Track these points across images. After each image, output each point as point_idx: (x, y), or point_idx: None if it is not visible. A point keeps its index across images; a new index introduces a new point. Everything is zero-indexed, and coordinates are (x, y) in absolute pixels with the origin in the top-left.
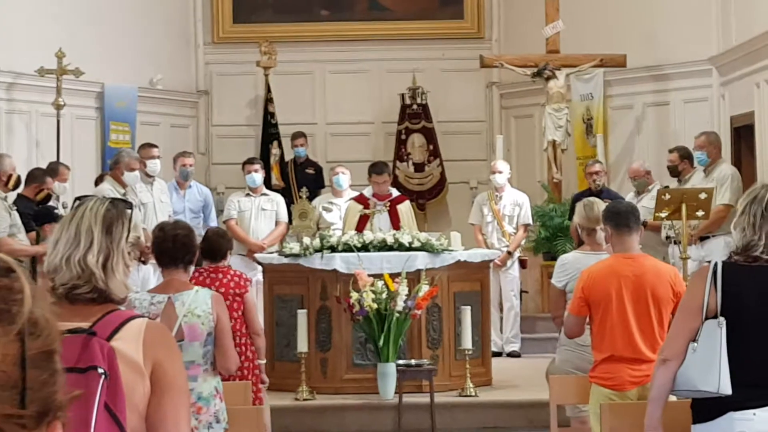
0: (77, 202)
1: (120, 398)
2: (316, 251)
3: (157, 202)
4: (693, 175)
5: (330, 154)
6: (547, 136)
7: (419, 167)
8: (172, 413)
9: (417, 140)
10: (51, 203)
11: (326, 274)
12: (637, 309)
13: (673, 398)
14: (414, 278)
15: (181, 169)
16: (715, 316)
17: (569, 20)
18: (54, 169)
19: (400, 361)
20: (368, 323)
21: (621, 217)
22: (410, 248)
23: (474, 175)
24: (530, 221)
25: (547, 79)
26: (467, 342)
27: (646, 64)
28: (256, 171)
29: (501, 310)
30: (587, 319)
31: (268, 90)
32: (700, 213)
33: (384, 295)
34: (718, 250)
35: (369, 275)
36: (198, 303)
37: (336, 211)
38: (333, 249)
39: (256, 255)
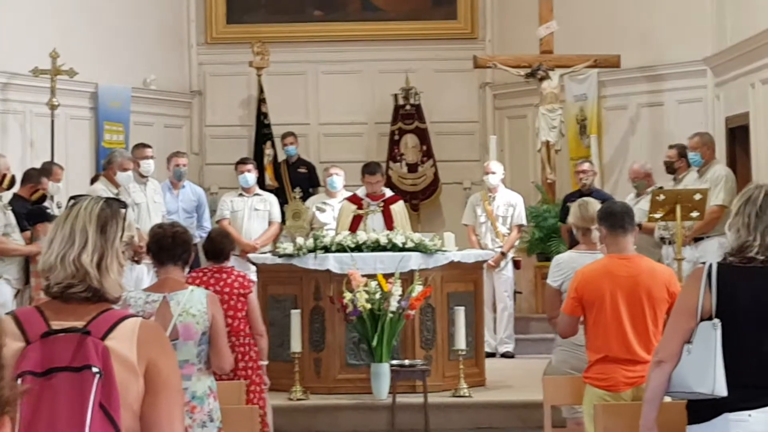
0: (72, 201)
1: (114, 397)
2: (310, 251)
3: (150, 203)
4: (687, 175)
5: (323, 155)
6: (541, 137)
7: (412, 168)
8: (166, 412)
9: (410, 141)
10: (45, 203)
11: (320, 275)
12: (631, 310)
13: (667, 399)
14: (407, 278)
15: (175, 169)
16: (710, 318)
17: (563, 21)
18: (48, 169)
19: (394, 362)
20: (362, 323)
21: (616, 218)
22: (404, 249)
23: (467, 175)
24: (524, 222)
25: (541, 79)
26: (461, 342)
27: (640, 64)
28: (249, 171)
29: (494, 310)
30: (581, 319)
31: (261, 90)
32: (694, 214)
33: (377, 296)
34: (713, 250)
35: (362, 275)
36: (193, 302)
37: (329, 211)
38: (326, 249)
39: (250, 255)
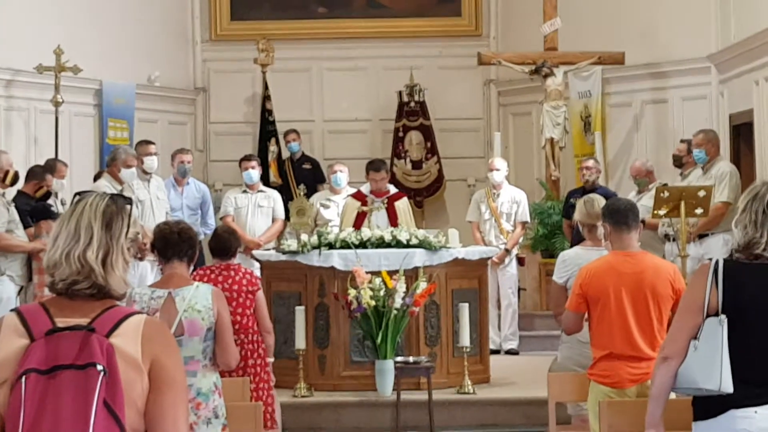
0: (77, 197)
1: (119, 395)
2: (314, 248)
3: (154, 199)
4: (694, 171)
5: (327, 152)
6: (545, 134)
7: (417, 164)
8: (170, 409)
9: (414, 137)
10: (49, 200)
11: (324, 271)
12: (636, 306)
13: (672, 396)
14: (412, 275)
15: (179, 166)
16: (716, 314)
17: (567, 18)
18: (52, 166)
19: (398, 359)
20: (366, 320)
21: (620, 215)
22: (408, 245)
23: (472, 172)
24: (528, 219)
25: (545, 76)
26: (465, 339)
27: (644, 61)
28: (253, 168)
29: (499, 307)
30: (586, 316)
31: (266, 87)
32: (698, 211)
33: (382, 292)
34: (717, 247)
35: (367, 272)
36: (198, 298)
37: (334, 207)
38: (331, 246)
39: (254, 252)
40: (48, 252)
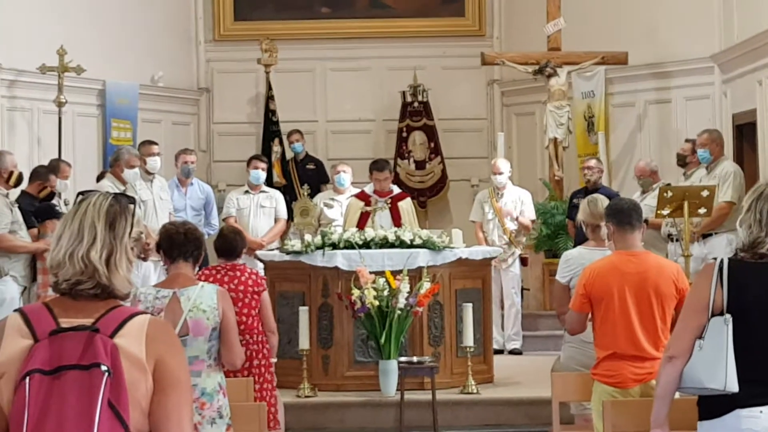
0: (80, 197)
1: (123, 395)
2: (318, 248)
3: (156, 200)
4: (697, 171)
5: (331, 152)
6: (549, 134)
7: (420, 165)
8: (175, 410)
9: (418, 138)
10: (53, 201)
11: (328, 271)
12: (639, 306)
13: (676, 395)
14: (415, 275)
15: (183, 167)
16: (722, 313)
17: (571, 18)
18: (55, 167)
19: (402, 359)
20: (370, 320)
21: (623, 215)
22: (412, 245)
23: (475, 172)
24: (534, 216)
25: (549, 76)
26: (469, 339)
27: (647, 61)
28: (262, 169)
29: (502, 307)
30: (589, 316)
31: (269, 87)
32: (702, 210)
33: (385, 293)
34: (721, 247)
35: (370, 272)
36: (203, 298)
37: (337, 207)
38: (334, 246)
39: (258, 252)
40: (51, 252)
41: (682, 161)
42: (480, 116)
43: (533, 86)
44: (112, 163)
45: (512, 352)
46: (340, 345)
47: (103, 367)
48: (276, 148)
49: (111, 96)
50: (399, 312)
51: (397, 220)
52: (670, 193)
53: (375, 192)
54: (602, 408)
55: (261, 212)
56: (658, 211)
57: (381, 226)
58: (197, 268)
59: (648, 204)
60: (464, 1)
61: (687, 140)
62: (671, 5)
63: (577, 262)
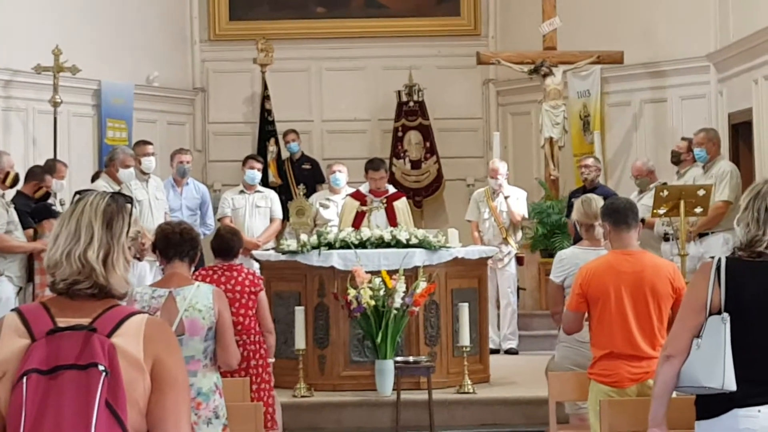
0: (77, 196)
1: (121, 395)
2: (314, 248)
3: (152, 199)
4: (691, 170)
5: (326, 152)
6: (544, 133)
7: (416, 164)
8: (173, 410)
9: (413, 137)
10: (49, 201)
11: (324, 271)
12: (636, 305)
13: (673, 394)
14: (411, 275)
15: (178, 167)
16: (719, 312)
17: (566, 17)
18: (51, 167)
19: (398, 358)
20: (366, 320)
21: (619, 214)
22: (408, 245)
23: (471, 172)
24: (525, 213)
25: (544, 76)
26: (465, 339)
27: (643, 60)
28: (258, 169)
29: (498, 307)
30: (585, 316)
31: (265, 87)
32: (698, 210)
33: (381, 292)
34: (717, 246)
35: (366, 272)
36: (199, 298)
37: (333, 208)
38: (330, 246)
39: (254, 252)
40: (48, 252)
41: (677, 158)
42: (475, 116)
43: (529, 86)
44: (107, 163)
45: (508, 351)
46: (337, 345)
47: (101, 367)
48: (272, 147)
49: (106, 96)
50: (395, 312)
51: (392, 220)
52: (666, 193)
53: (370, 191)
54: (599, 407)
55: (256, 212)
56: (654, 211)
57: (377, 225)
58: (193, 268)
59: (645, 204)
60: (459, 1)
61: (683, 138)
62: (667, 4)
63: (571, 261)
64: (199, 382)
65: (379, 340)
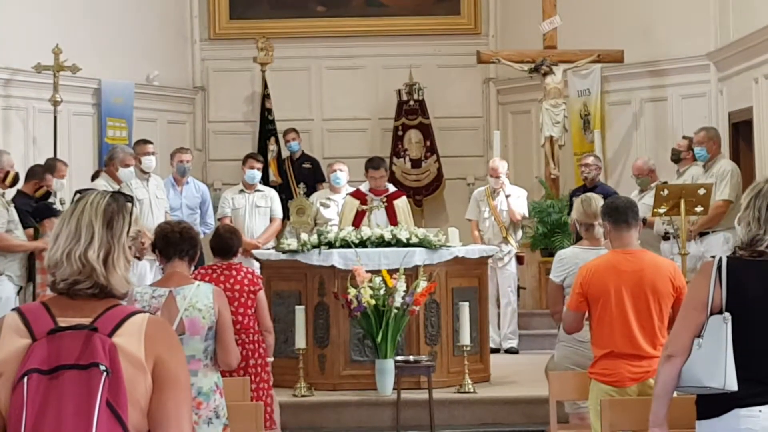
0: (78, 195)
1: (122, 395)
2: (314, 247)
3: (153, 199)
4: (690, 169)
5: (327, 150)
6: (545, 132)
7: (416, 163)
8: (174, 409)
9: (414, 136)
10: (49, 200)
11: (324, 270)
12: (636, 305)
13: (675, 394)
14: (412, 274)
15: (178, 166)
16: (720, 312)
17: (566, 16)
18: (51, 166)
19: (399, 358)
20: (366, 319)
21: (619, 213)
22: (408, 244)
23: (471, 171)
24: (525, 212)
25: (544, 74)
26: (465, 338)
27: (643, 59)
28: (258, 168)
29: (498, 306)
30: (586, 315)
31: (265, 86)
32: (698, 209)
33: (382, 291)
34: (718, 245)
35: (367, 271)
36: (199, 297)
37: (333, 207)
38: (331, 245)
39: (254, 251)
40: (49, 251)
41: (677, 156)
42: (476, 114)
43: (529, 84)
44: (106, 162)
45: (508, 351)
46: (337, 344)
47: (102, 367)
48: (272, 146)
49: (106, 95)
50: (395, 311)
51: (393, 219)
52: (666, 192)
53: (370, 190)
54: (600, 407)
55: (256, 212)
56: (655, 210)
57: (377, 224)
58: (193, 267)
59: (646, 203)
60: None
61: (684, 137)
62: (667, 3)
63: (571, 261)
64: (199, 382)
65: (379, 339)
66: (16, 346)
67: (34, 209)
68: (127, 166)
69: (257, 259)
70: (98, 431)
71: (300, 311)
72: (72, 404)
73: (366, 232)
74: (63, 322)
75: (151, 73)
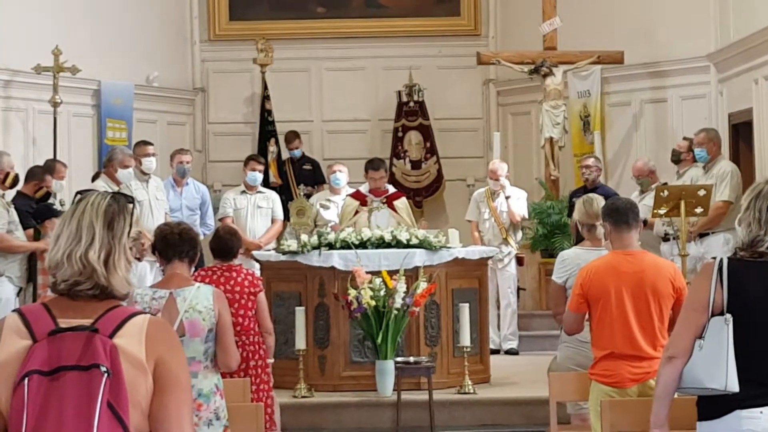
0: (78, 196)
1: (123, 396)
2: (314, 248)
3: (152, 200)
4: (690, 170)
5: (327, 152)
6: (545, 134)
7: (416, 164)
8: (175, 410)
9: (414, 137)
10: (49, 201)
11: (324, 272)
12: (637, 306)
13: (676, 395)
14: (412, 275)
15: (178, 167)
16: (722, 313)
17: (566, 17)
18: (52, 167)
19: (399, 359)
20: (366, 320)
21: (620, 214)
22: (408, 245)
23: (471, 172)
24: (525, 214)
25: (545, 76)
26: (465, 339)
27: (643, 60)
28: (259, 170)
29: (498, 307)
30: (587, 316)
31: (265, 87)
32: (698, 210)
33: (382, 292)
34: (718, 246)
35: (367, 272)
36: (199, 299)
37: (334, 209)
38: (331, 246)
39: (254, 252)
40: (50, 252)
41: (677, 157)
42: (476, 116)
43: (529, 86)
44: (105, 163)
45: (508, 352)
46: (337, 345)
47: (103, 368)
48: (272, 148)
49: (106, 96)
50: (396, 312)
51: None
52: (666, 193)
53: (370, 191)
54: (600, 408)
55: (258, 213)
56: (655, 211)
57: (377, 225)
58: (193, 269)
59: (646, 204)
60: (459, 1)
61: (684, 138)
62: (667, 4)
63: (573, 262)
64: (199, 384)
65: (379, 340)
66: (17, 347)
67: (35, 210)
68: (126, 167)
69: (257, 260)
70: None
71: (300, 312)
72: (73, 405)
73: (366, 233)
74: (64, 323)
75: (150, 74)
